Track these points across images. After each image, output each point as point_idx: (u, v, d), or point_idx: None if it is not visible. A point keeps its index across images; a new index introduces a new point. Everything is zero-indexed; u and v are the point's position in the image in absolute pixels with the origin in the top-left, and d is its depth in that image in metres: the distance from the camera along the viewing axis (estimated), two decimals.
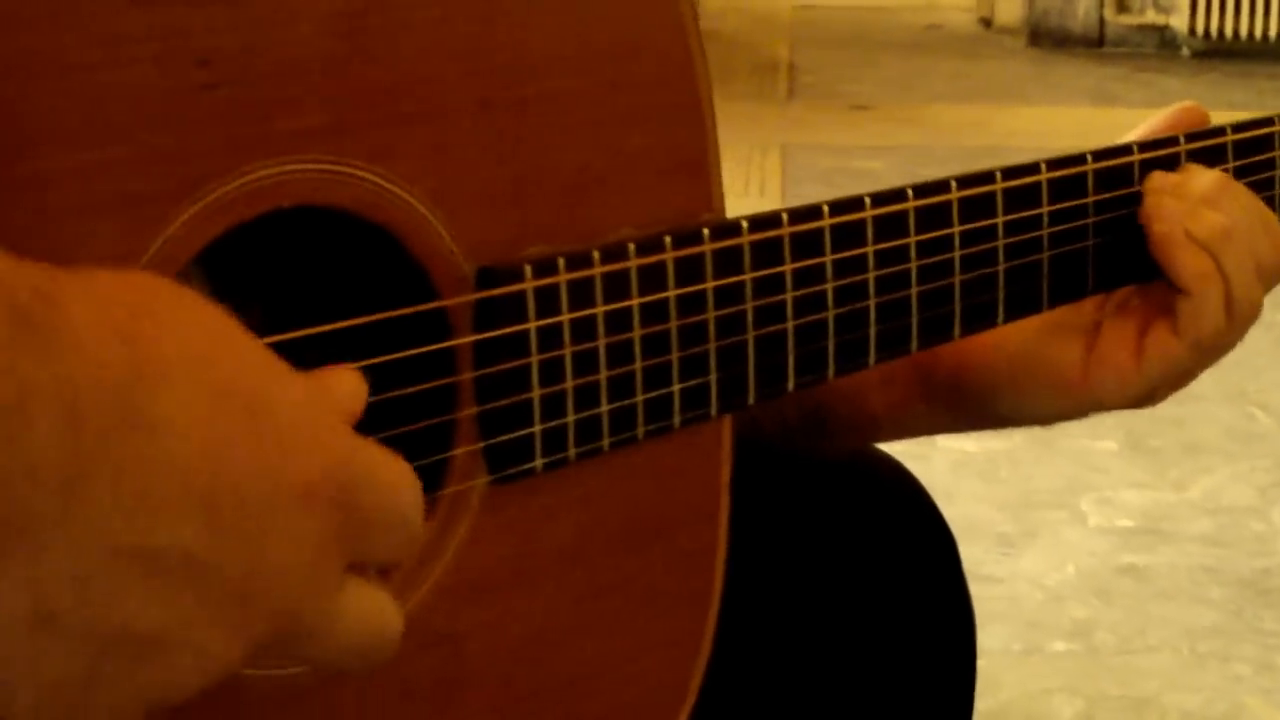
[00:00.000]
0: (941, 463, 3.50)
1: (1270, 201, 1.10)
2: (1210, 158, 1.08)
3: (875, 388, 1.11)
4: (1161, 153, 1.07)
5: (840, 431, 1.14)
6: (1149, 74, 7.95)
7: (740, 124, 6.71)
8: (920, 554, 1.19)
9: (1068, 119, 6.82)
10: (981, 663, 2.83)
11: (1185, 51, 8.37)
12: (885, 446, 1.21)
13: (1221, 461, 3.58)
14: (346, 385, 0.70)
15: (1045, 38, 8.59)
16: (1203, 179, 1.06)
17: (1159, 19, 8.47)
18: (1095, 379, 1.06)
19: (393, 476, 0.69)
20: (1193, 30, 8.36)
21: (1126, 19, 8.53)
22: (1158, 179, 1.05)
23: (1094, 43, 8.54)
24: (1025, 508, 3.36)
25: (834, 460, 1.19)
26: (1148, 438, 3.63)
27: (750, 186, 5.81)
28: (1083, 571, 3.12)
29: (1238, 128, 1.10)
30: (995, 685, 2.72)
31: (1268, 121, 1.11)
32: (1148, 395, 1.08)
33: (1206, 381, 3.79)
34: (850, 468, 1.20)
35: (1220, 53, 8.26)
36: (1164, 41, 8.46)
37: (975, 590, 3.10)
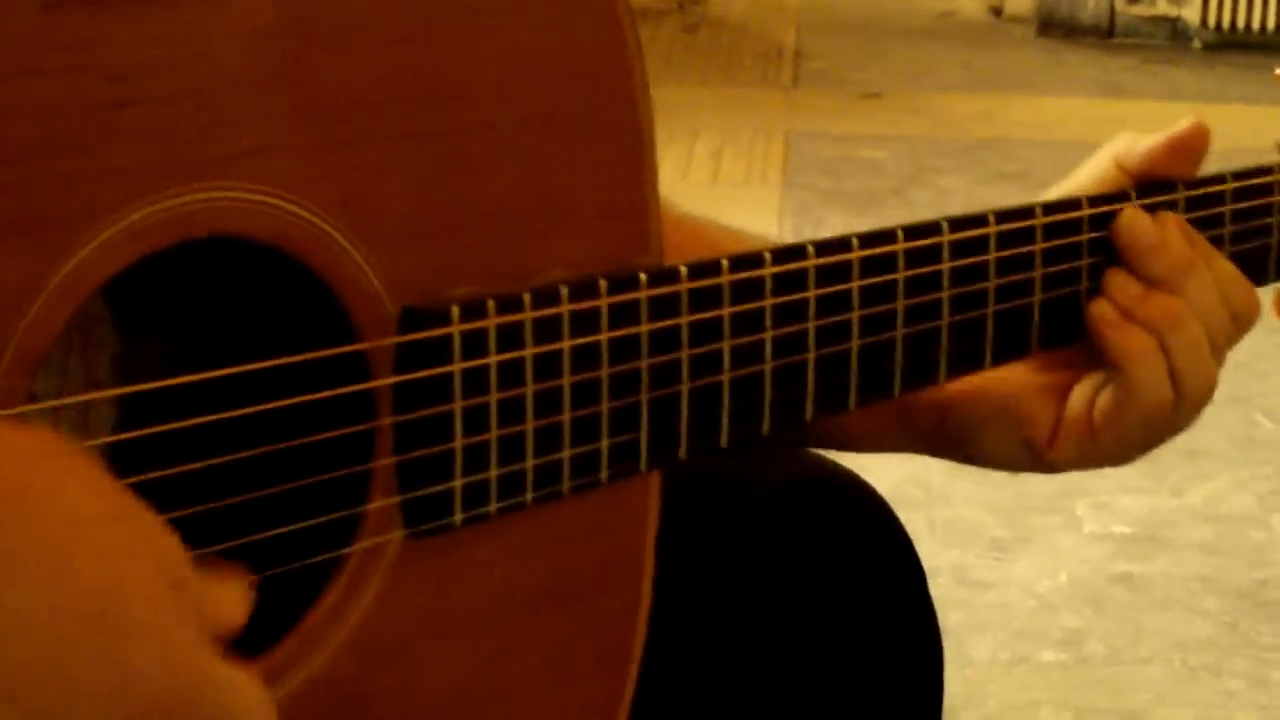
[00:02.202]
0: (937, 463, 3.43)
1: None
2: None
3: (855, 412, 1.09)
4: (1109, 208, 1.03)
5: (816, 442, 1.13)
6: (1159, 65, 7.89)
7: (744, 110, 6.67)
8: (885, 580, 1.16)
9: (1076, 110, 6.77)
10: (968, 672, 2.80)
11: (1196, 43, 8.31)
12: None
13: (1223, 467, 3.54)
14: (227, 600, 0.67)
15: (1055, 27, 8.54)
16: (1172, 255, 1.04)
17: (1170, 10, 8.41)
18: (1060, 446, 1.06)
19: (244, 707, 0.64)
20: (1204, 22, 8.30)
21: (1137, 10, 8.46)
22: (1137, 229, 1.03)
23: (1104, 33, 8.48)
24: (1020, 511, 3.31)
25: (796, 480, 1.15)
26: None
27: (751, 174, 5.76)
28: (1076, 579, 3.07)
29: (1190, 184, 1.06)
30: (981, 695, 2.68)
31: (1219, 179, 1.08)
32: (1117, 459, 1.07)
33: None
34: (813, 487, 1.16)
35: (1232, 45, 8.20)
36: (1175, 33, 8.40)
37: (966, 597, 3.06)
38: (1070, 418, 1.05)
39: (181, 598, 0.64)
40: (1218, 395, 3.49)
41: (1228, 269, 1.06)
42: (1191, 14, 8.32)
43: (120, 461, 0.77)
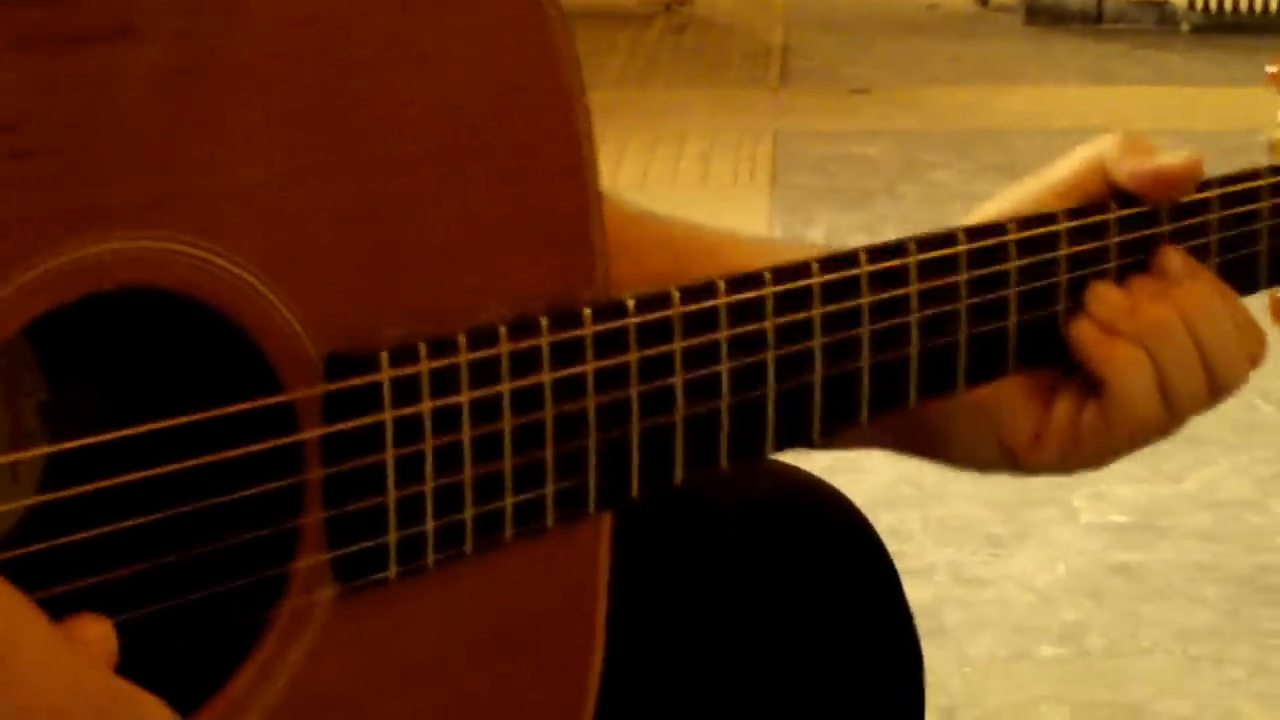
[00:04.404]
0: None
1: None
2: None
3: None
4: (1085, 221, 1.00)
5: None
6: (1148, 50, 7.86)
7: (731, 111, 6.64)
8: (862, 593, 1.13)
9: (1066, 98, 6.74)
10: (966, 670, 2.78)
11: (1184, 27, 8.28)
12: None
13: (1220, 453, 3.51)
14: (93, 633, 0.68)
15: (1042, 15, 8.51)
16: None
17: None
18: (1040, 453, 1.03)
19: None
20: (1192, 5, 8.27)
21: None
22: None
23: (1091, 19, 8.46)
24: (1016, 505, 3.29)
25: (768, 493, 1.12)
26: None
27: (740, 175, 5.73)
28: (1074, 571, 3.05)
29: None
30: (980, 694, 2.66)
31: (1204, 185, 1.04)
32: (1095, 467, 1.04)
33: None
34: (785, 500, 1.14)
35: (1221, 27, 8.17)
36: (1163, 17, 8.37)
37: (963, 595, 3.04)
38: (1054, 428, 1.02)
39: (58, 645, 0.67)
40: None
41: (1219, 298, 1.03)
42: None
43: (46, 516, 0.75)
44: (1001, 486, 3.34)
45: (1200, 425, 3.21)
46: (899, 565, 1.13)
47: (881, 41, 8.23)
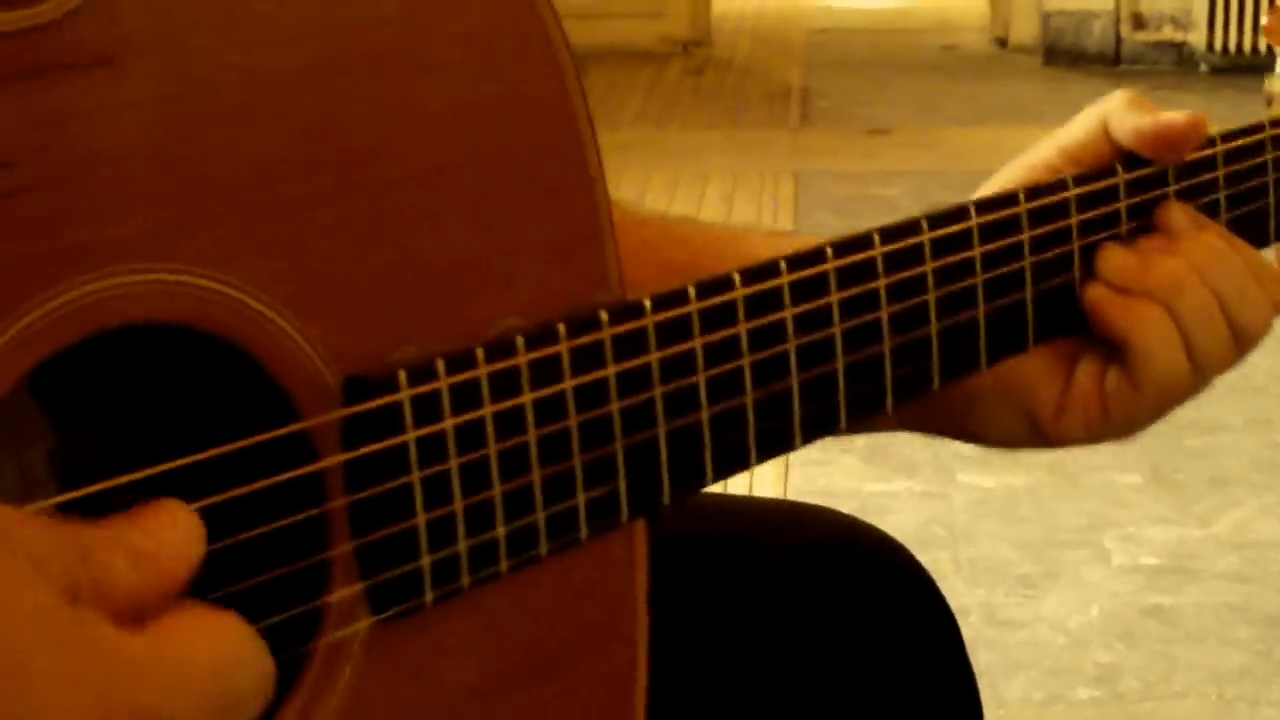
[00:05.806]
0: (960, 501, 3.41)
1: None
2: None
3: None
4: (1094, 187, 0.98)
5: None
6: (1167, 91, 7.84)
7: (753, 151, 6.64)
8: (924, 641, 1.12)
9: None
10: (1001, 714, 2.75)
11: (1203, 68, 8.27)
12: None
13: (1248, 494, 3.50)
14: (167, 545, 0.61)
15: (1061, 56, 8.50)
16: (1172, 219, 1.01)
17: (1176, 35, 8.37)
18: (1064, 423, 1.01)
19: (213, 662, 0.60)
20: (1211, 46, 8.26)
21: (1143, 36, 8.43)
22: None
23: (1110, 61, 8.45)
24: (1047, 547, 3.27)
25: (818, 541, 1.12)
26: (1172, 471, 3.54)
27: (763, 216, 5.73)
28: (1106, 613, 3.03)
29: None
30: None
31: (1209, 142, 1.04)
32: (1124, 435, 1.02)
33: (1232, 411, 3.72)
34: (837, 547, 1.12)
35: (1239, 69, 8.16)
36: (1181, 58, 8.36)
37: (995, 636, 3.02)
38: (1078, 394, 1.01)
39: (81, 605, 0.59)
40: (1239, 420, 3.46)
41: (1232, 249, 1.01)
42: (1198, 39, 8.28)
43: None
44: (1031, 526, 3.33)
45: (1226, 466, 3.17)
46: None
47: (900, 82, 8.23)
